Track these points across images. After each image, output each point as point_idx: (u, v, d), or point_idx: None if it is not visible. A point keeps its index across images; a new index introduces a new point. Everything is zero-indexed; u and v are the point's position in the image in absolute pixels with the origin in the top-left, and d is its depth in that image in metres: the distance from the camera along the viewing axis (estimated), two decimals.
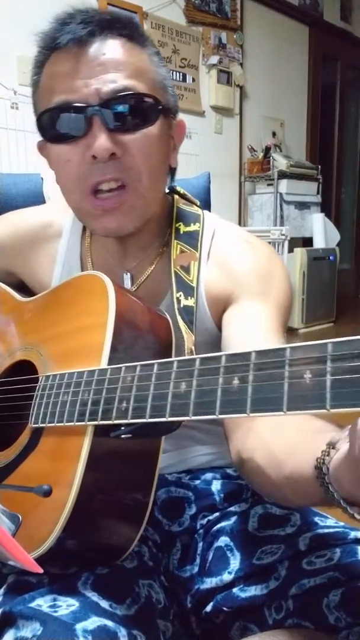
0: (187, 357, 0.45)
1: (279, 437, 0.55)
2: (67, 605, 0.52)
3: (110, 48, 0.63)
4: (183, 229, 0.76)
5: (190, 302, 0.69)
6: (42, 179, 1.12)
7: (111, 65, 0.63)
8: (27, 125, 2.57)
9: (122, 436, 0.52)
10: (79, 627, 0.49)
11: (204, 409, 0.41)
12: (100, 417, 0.51)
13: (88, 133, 0.63)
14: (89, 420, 0.53)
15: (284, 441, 0.54)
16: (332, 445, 0.43)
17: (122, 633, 0.51)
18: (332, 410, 0.33)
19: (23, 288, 0.83)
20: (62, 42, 0.63)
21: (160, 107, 0.67)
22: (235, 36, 3.73)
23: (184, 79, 3.47)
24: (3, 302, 0.80)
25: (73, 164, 0.65)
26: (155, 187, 0.69)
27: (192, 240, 0.75)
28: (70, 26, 0.63)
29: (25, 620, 0.51)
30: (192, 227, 0.76)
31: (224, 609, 0.64)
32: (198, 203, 0.82)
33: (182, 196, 0.82)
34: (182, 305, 0.68)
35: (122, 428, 0.51)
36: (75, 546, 0.55)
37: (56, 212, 0.83)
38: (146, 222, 0.71)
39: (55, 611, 0.51)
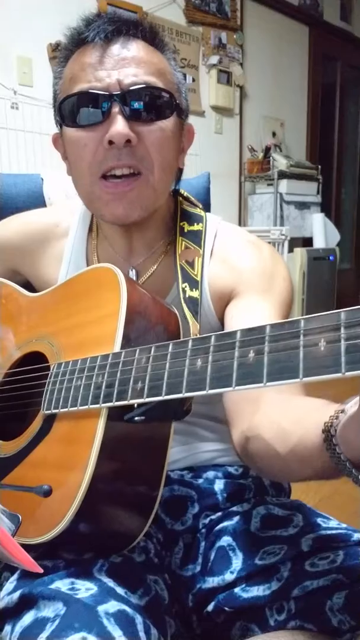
0: (201, 335, 0.46)
1: (285, 412, 0.56)
2: (85, 589, 0.53)
3: (134, 47, 0.68)
4: (187, 227, 0.78)
5: (195, 293, 0.70)
6: (42, 179, 1.12)
7: (133, 61, 0.66)
8: (27, 125, 2.57)
9: (136, 418, 0.52)
10: (101, 609, 0.50)
11: (220, 383, 0.42)
12: (116, 399, 0.52)
13: (106, 120, 0.65)
14: (103, 402, 0.53)
15: (290, 414, 0.55)
16: (341, 410, 0.44)
17: (139, 620, 0.52)
18: (348, 374, 0.33)
19: (28, 288, 0.83)
20: (89, 37, 0.67)
21: (175, 103, 0.70)
22: (235, 36, 3.73)
23: (184, 79, 3.46)
24: (11, 298, 0.81)
25: (89, 150, 0.67)
26: (165, 181, 0.71)
27: (196, 238, 0.76)
28: (98, 23, 0.67)
29: (47, 600, 0.51)
30: (196, 227, 0.78)
31: (226, 608, 0.64)
32: (201, 206, 0.84)
33: (186, 199, 0.84)
34: (187, 296, 0.69)
35: (135, 408, 0.51)
36: (87, 529, 0.55)
37: (62, 213, 0.84)
38: (151, 215, 0.72)
39: (76, 594, 0.52)
